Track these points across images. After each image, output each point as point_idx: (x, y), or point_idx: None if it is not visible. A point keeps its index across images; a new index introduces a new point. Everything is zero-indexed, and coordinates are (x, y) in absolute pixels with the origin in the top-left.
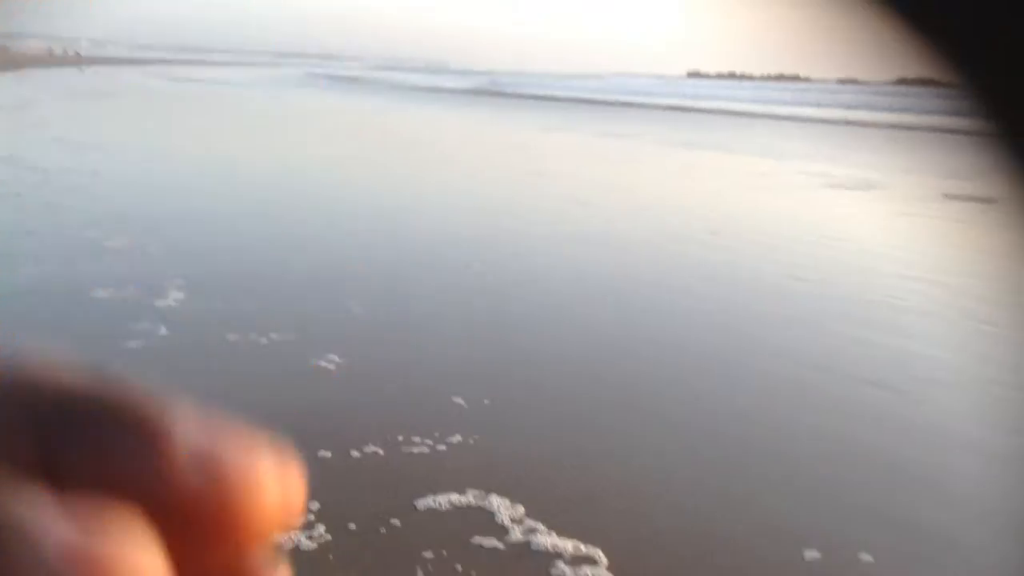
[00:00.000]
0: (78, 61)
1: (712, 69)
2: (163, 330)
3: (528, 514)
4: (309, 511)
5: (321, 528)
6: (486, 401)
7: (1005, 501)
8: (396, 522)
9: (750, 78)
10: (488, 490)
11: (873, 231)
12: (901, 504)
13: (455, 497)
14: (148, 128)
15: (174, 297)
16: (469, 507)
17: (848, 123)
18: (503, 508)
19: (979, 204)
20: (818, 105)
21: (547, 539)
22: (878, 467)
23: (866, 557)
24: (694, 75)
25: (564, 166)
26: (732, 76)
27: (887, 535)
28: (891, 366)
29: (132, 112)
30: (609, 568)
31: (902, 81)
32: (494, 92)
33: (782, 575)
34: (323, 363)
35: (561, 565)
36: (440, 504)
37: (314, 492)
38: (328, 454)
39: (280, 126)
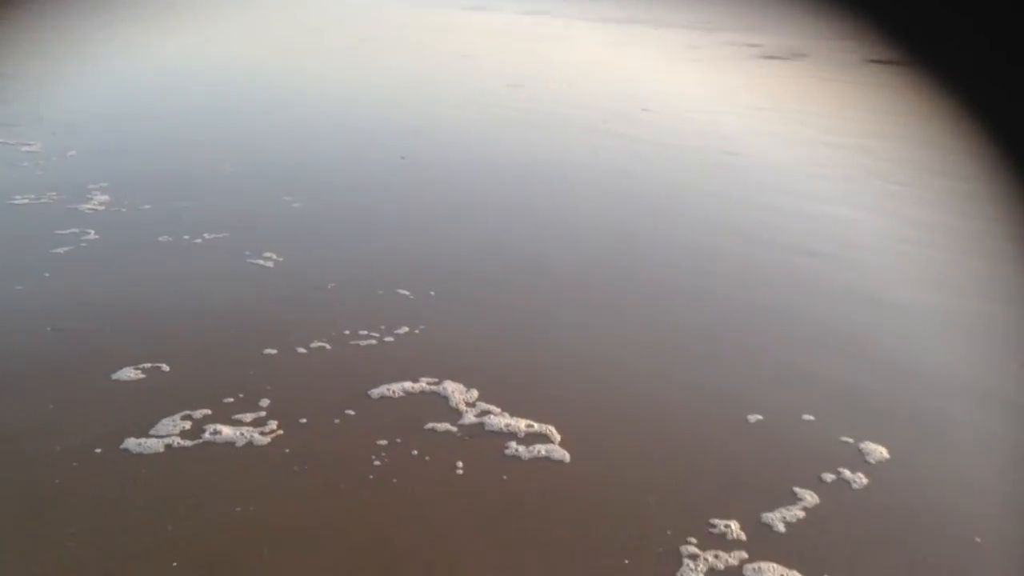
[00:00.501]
0: None
1: None
2: (91, 234)
3: (481, 398)
4: (259, 408)
5: (273, 424)
6: (432, 292)
7: (930, 355)
8: (350, 412)
9: None
10: (441, 377)
11: (799, 99)
12: (834, 366)
13: (408, 385)
14: (54, 25)
15: (99, 200)
16: (423, 393)
17: None
18: (457, 393)
19: (899, 67)
20: None
21: (500, 420)
22: (809, 332)
23: (807, 416)
24: None
25: (492, 47)
26: None
27: (824, 395)
28: (816, 233)
29: (36, 5)
30: (561, 444)
31: None
32: None
33: (729, 439)
34: (260, 261)
35: (514, 444)
36: (394, 392)
37: (262, 390)
38: (273, 351)
39: (193, 12)
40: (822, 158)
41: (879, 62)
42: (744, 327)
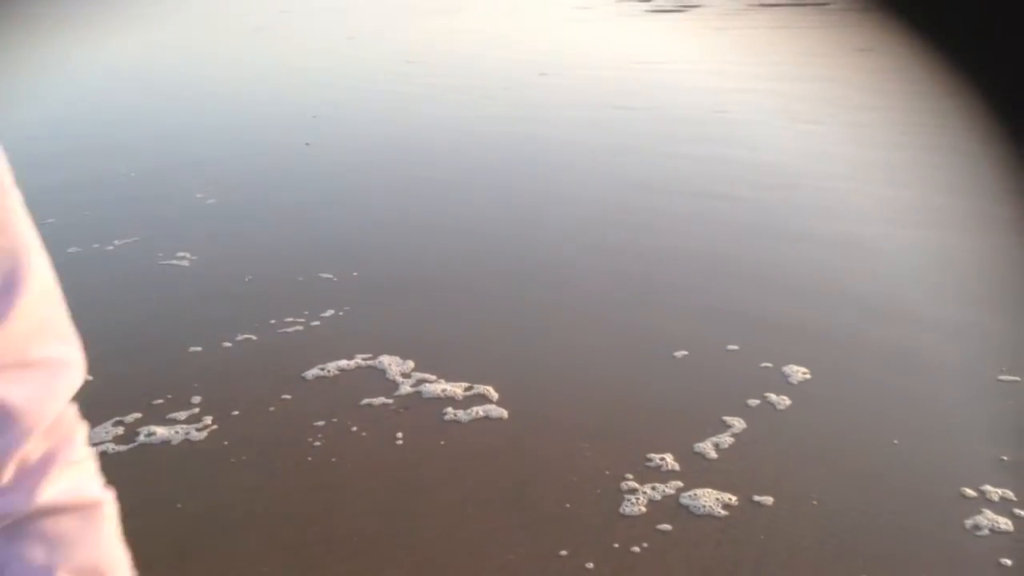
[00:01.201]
0: None
1: None
2: None
3: (418, 368)
4: (192, 405)
5: (208, 419)
6: (354, 273)
7: (845, 280)
8: (287, 396)
9: None
10: (376, 352)
11: (694, 50)
12: (752, 298)
13: (344, 363)
14: None
15: None
16: (359, 369)
17: None
18: (394, 365)
19: (783, 9)
20: None
21: (437, 386)
22: (727, 269)
23: (731, 347)
24: None
25: (382, 26)
26: None
27: (745, 326)
28: (727, 177)
29: None
30: (499, 403)
31: None
32: None
33: (659, 377)
34: (175, 261)
35: (453, 408)
36: (329, 371)
37: (192, 388)
38: (199, 348)
39: (73, 16)
40: (726, 105)
41: (766, 5)
42: (663, 271)
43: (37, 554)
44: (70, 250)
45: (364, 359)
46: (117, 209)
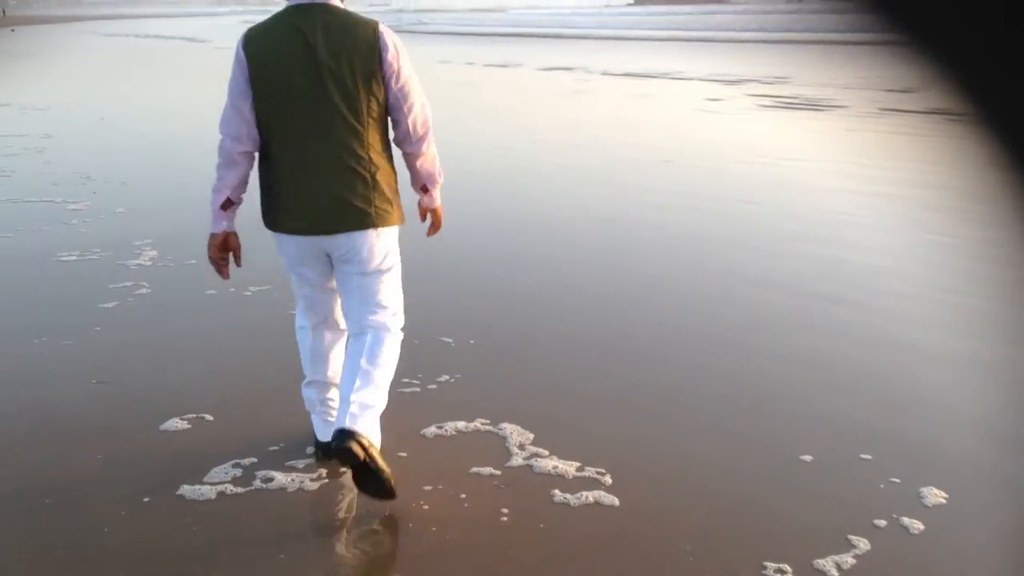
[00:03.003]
0: (4, 22)
1: None
2: (139, 290)
3: (536, 441)
4: (307, 456)
5: (323, 471)
6: (471, 341)
7: (975, 403)
8: (403, 453)
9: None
10: (494, 420)
11: (824, 149)
12: (877, 412)
13: (462, 425)
14: (94, 86)
15: (147, 256)
16: (476, 434)
17: (793, 43)
18: (515, 434)
19: (920, 116)
20: (762, 29)
21: (548, 463)
22: (846, 379)
23: (864, 456)
24: (640, 2)
25: (512, 102)
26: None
27: (876, 441)
28: (846, 281)
29: (73, 71)
30: (612, 489)
31: None
32: (412, 31)
33: (780, 479)
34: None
35: (563, 489)
36: (447, 431)
37: (307, 438)
38: None
39: (218, 75)
40: (850, 207)
41: (902, 111)
42: (780, 372)
43: (431, 164)
44: (208, 292)
45: (483, 423)
46: (252, 257)
